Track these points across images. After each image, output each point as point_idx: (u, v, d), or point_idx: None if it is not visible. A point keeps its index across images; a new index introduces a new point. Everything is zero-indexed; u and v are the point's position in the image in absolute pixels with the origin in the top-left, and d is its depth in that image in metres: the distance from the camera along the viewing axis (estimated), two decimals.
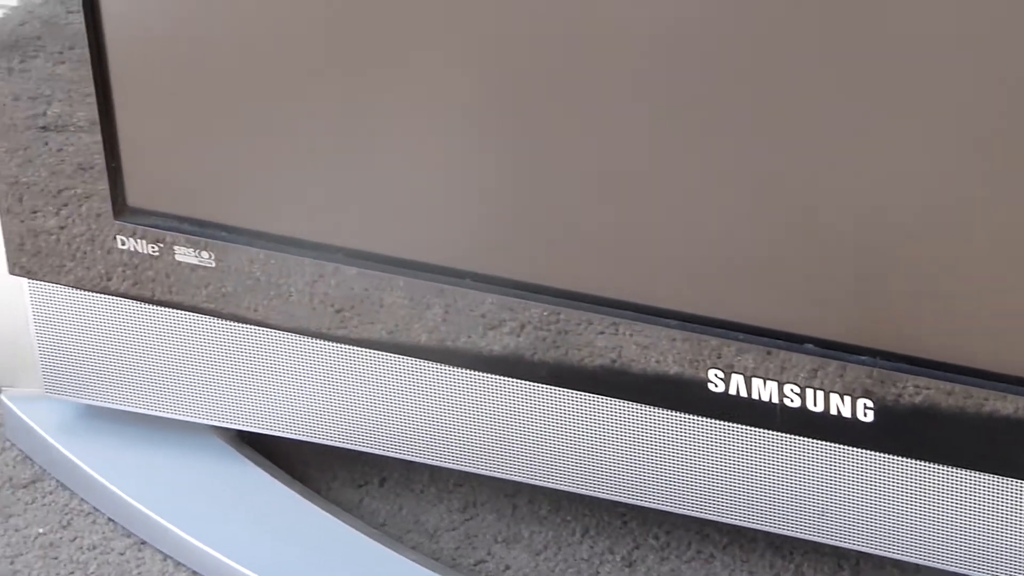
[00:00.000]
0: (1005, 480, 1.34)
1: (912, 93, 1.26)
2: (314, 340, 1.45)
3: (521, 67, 1.34)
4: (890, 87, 1.26)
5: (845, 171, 1.28)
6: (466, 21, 1.34)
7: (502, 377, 1.41)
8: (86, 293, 1.48)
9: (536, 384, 1.40)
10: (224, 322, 1.46)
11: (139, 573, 1.48)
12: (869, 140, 1.26)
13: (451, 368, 1.44)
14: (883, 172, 1.27)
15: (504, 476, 1.46)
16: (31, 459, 1.59)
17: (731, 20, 1.28)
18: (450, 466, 1.47)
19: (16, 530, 1.52)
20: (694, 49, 1.30)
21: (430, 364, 1.43)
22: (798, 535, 1.41)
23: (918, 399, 1.29)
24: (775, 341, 1.31)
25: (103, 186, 1.42)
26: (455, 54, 1.36)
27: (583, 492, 1.44)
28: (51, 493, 1.56)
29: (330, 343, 1.45)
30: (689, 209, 1.32)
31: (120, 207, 1.41)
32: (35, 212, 1.47)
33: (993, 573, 1.39)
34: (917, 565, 1.44)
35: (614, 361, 1.37)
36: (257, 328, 1.45)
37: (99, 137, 1.42)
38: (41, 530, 1.53)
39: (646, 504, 1.43)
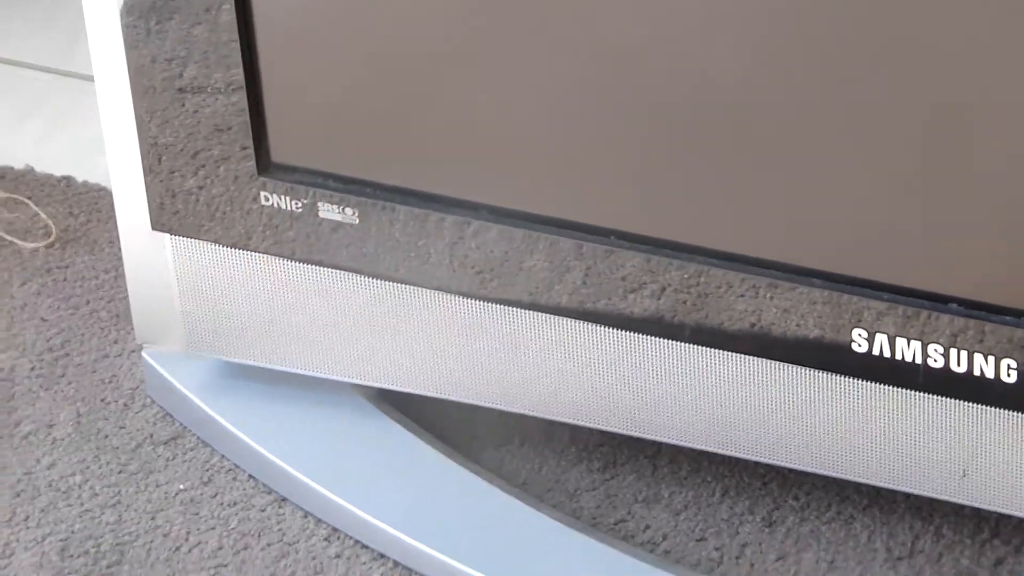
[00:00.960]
0: None
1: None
2: (456, 298, 1.46)
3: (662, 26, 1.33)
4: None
5: (986, 125, 1.26)
6: None
7: (644, 336, 1.42)
8: (228, 250, 1.50)
9: (678, 343, 1.41)
10: (366, 279, 1.47)
11: (280, 529, 1.50)
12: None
13: (592, 327, 1.42)
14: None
15: (645, 436, 1.46)
16: (172, 416, 1.60)
17: None
18: (591, 426, 1.47)
19: (157, 486, 1.53)
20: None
21: (571, 323, 1.44)
22: (938, 497, 1.41)
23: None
24: (919, 301, 1.31)
25: (247, 144, 1.43)
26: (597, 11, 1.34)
27: (724, 453, 1.46)
28: (192, 450, 1.58)
29: (472, 301, 1.46)
30: (832, 170, 1.33)
31: (264, 164, 1.43)
32: (174, 172, 1.49)
33: None
34: None
35: (756, 322, 1.38)
36: (399, 286, 1.46)
37: (236, 98, 1.44)
38: (182, 486, 1.54)
39: (786, 465, 1.44)
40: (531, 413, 1.51)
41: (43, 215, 1.82)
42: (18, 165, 1.93)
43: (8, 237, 1.82)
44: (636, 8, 1.36)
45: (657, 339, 1.42)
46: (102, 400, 1.65)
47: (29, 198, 1.86)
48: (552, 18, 1.39)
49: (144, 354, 1.61)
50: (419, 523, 1.49)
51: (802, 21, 1.31)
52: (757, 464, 1.45)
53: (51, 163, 1.94)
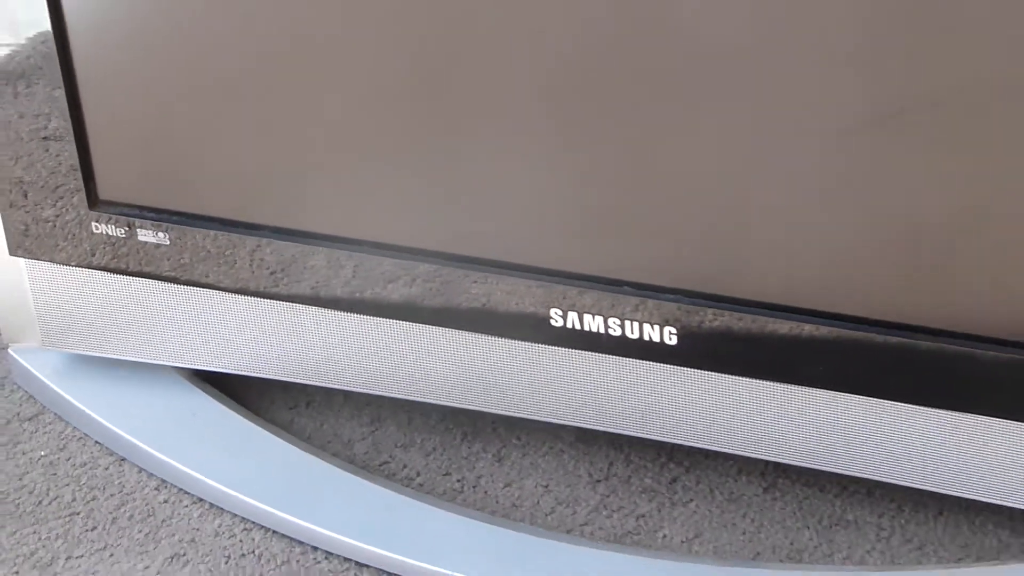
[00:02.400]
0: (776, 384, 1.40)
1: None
2: (253, 298, 1.49)
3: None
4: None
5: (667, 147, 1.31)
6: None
7: (397, 321, 1.46)
8: (73, 268, 1.51)
9: (422, 325, 1.46)
10: (181, 287, 1.50)
11: (120, 483, 1.53)
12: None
13: (358, 316, 1.48)
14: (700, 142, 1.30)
15: (401, 396, 1.51)
16: (34, 398, 1.63)
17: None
18: (359, 390, 1.52)
19: (23, 453, 1.57)
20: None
21: (344, 314, 1.48)
22: (627, 432, 1.47)
23: (714, 324, 1.35)
24: (599, 285, 1.36)
25: (79, 186, 1.47)
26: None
27: (462, 406, 1.49)
28: (50, 424, 1.60)
29: (265, 300, 1.48)
30: (534, 186, 1.36)
31: (93, 200, 1.46)
32: (25, 207, 1.51)
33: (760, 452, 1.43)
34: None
35: (482, 305, 1.42)
36: (206, 290, 1.49)
37: (68, 148, 1.47)
38: (43, 452, 1.57)
39: (513, 413, 1.48)
40: (313, 383, 1.55)
41: None
42: None
43: None
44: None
45: (406, 323, 1.46)
46: None
47: None
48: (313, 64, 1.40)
49: (9, 350, 1.63)
50: (226, 473, 1.50)
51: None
52: (489, 413, 1.50)
53: None
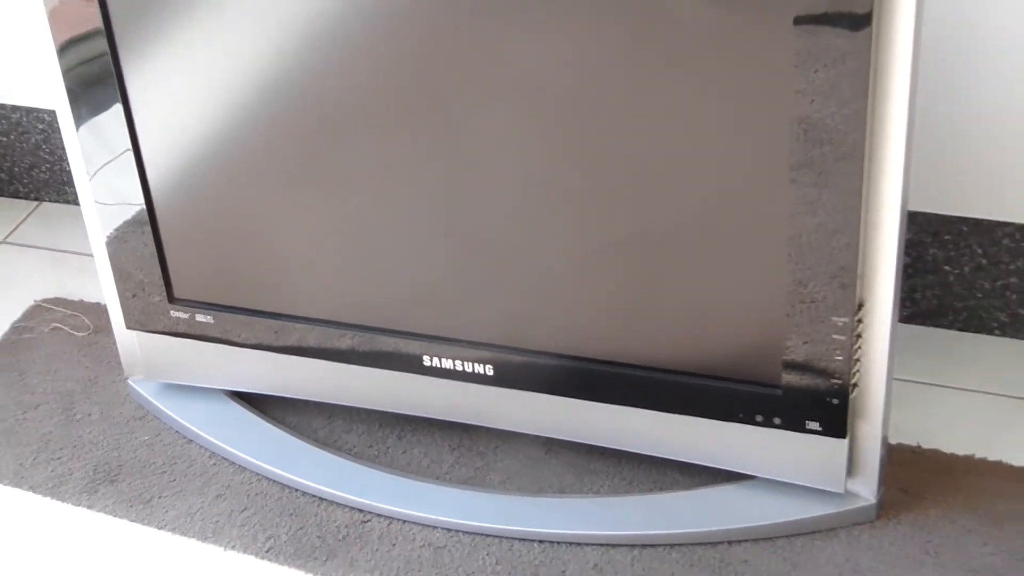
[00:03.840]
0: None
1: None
2: (262, 351, 1.50)
3: None
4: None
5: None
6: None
7: (341, 364, 1.47)
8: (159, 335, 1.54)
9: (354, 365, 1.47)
10: (221, 344, 1.52)
11: (188, 455, 1.57)
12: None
13: (318, 360, 1.49)
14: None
15: (345, 403, 1.55)
16: (142, 407, 1.62)
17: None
18: (320, 400, 1.57)
19: (136, 439, 1.60)
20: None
21: (311, 359, 1.49)
22: (462, 420, 1.51)
23: (513, 366, 1.41)
24: (449, 340, 1.42)
25: (163, 290, 1.50)
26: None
27: (377, 408, 1.54)
28: (151, 422, 1.62)
29: (268, 352, 1.50)
30: (411, 288, 1.41)
31: (171, 297, 1.51)
32: (141, 299, 1.51)
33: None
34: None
35: (388, 351, 1.44)
36: (234, 346, 1.51)
37: (158, 271, 1.49)
38: (146, 438, 1.59)
39: (405, 412, 1.53)
40: (295, 396, 1.58)
41: (85, 319, 1.79)
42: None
43: (63, 327, 1.79)
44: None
45: (347, 364, 1.47)
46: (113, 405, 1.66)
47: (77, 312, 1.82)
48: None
49: (129, 380, 1.65)
50: (247, 447, 1.56)
51: None
52: (390, 412, 1.55)
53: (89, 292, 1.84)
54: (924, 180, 1.47)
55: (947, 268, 1.63)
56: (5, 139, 1.97)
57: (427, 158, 1.32)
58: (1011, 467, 1.52)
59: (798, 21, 1.11)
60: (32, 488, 1.56)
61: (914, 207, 1.54)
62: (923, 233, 1.60)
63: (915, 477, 1.51)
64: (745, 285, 1.27)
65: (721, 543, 1.44)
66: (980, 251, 1.61)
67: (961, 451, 1.54)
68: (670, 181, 1.25)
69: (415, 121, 1.29)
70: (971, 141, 1.48)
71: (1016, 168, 1.50)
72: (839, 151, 1.16)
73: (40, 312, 1.82)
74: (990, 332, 1.66)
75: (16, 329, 1.80)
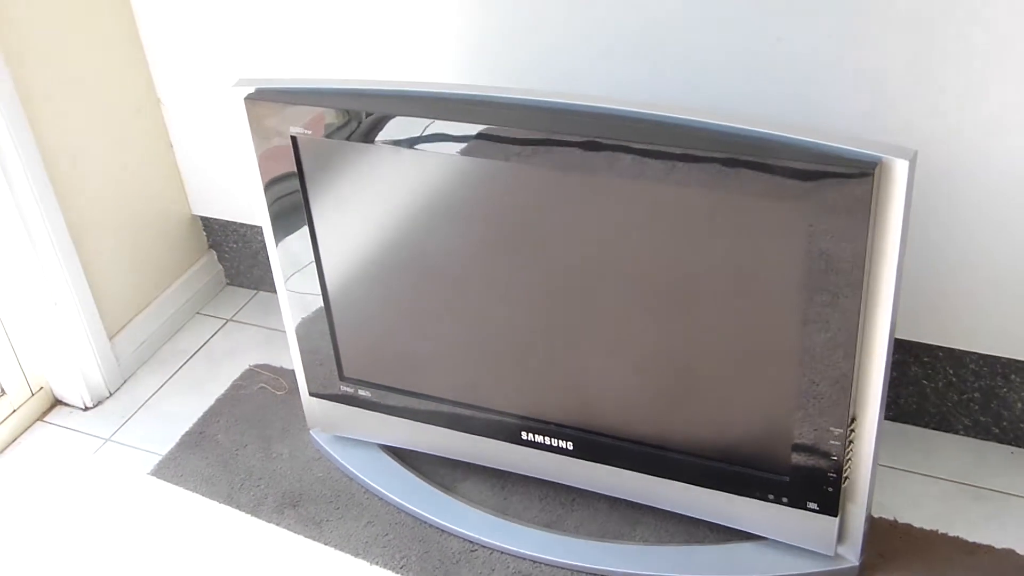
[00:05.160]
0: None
1: None
2: (411, 420, 1.47)
3: None
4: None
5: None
6: None
7: (464, 433, 1.44)
8: (331, 402, 1.51)
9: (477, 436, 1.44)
10: (378, 413, 1.47)
11: (350, 490, 1.54)
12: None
13: (455, 431, 1.45)
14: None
15: (461, 458, 1.50)
16: (320, 454, 1.59)
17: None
18: (446, 455, 1.51)
19: (315, 471, 1.58)
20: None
21: (446, 429, 1.45)
22: (549, 479, 1.45)
23: (587, 443, 1.38)
24: (539, 424, 1.39)
25: (335, 369, 1.46)
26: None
27: (488, 464, 1.48)
28: (327, 465, 1.58)
29: (414, 421, 1.46)
30: (521, 370, 1.37)
31: (341, 375, 1.48)
32: (319, 377, 1.48)
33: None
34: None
35: (495, 429, 1.42)
36: (388, 415, 1.47)
37: (333, 360, 1.44)
38: (319, 474, 1.56)
39: (506, 468, 1.47)
40: (432, 452, 1.52)
41: (283, 381, 1.75)
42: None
43: (268, 387, 1.76)
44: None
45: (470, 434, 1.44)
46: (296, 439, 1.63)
47: (278, 376, 1.77)
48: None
49: (311, 432, 1.62)
50: (392, 487, 1.53)
51: None
52: (493, 468, 1.48)
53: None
54: (910, 314, 1.45)
55: (924, 382, 1.57)
56: (236, 246, 1.96)
57: (528, 303, 1.31)
58: (965, 542, 1.44)
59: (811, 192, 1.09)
60: (239, 507, 1.55)
61: (902, 336, 1.51)
62: (907, 355, 1.54)
63: (890, 545, 1.45)
64: (764, 393, 1.24)
65: None
66: (951, 371, 1.55)
67: (928, 526, 1.47)
68: (709, 316, 1.23)
69: (524, 269, 1.29)
70: (948, 283, 1.42)
71: (985, 309, 1.43)
72: (847, 279, 1.11)
73: (252, 374, 1.79)
74: (956, 432, 1.59)
75: (235, 387, 1.78)
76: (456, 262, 1.30)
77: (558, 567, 1.42)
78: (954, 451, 1.58)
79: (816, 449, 1.25)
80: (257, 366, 1.81)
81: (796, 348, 1.16)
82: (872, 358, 1.17)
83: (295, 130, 1.29)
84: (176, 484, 1.57)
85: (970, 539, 1.43)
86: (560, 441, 1.40)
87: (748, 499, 1.33)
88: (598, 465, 1.39)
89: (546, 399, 1.37)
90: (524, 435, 1.41)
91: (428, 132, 1.19)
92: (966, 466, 1.55)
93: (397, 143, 1.22)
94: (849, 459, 1.27)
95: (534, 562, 1.43)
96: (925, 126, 1.31)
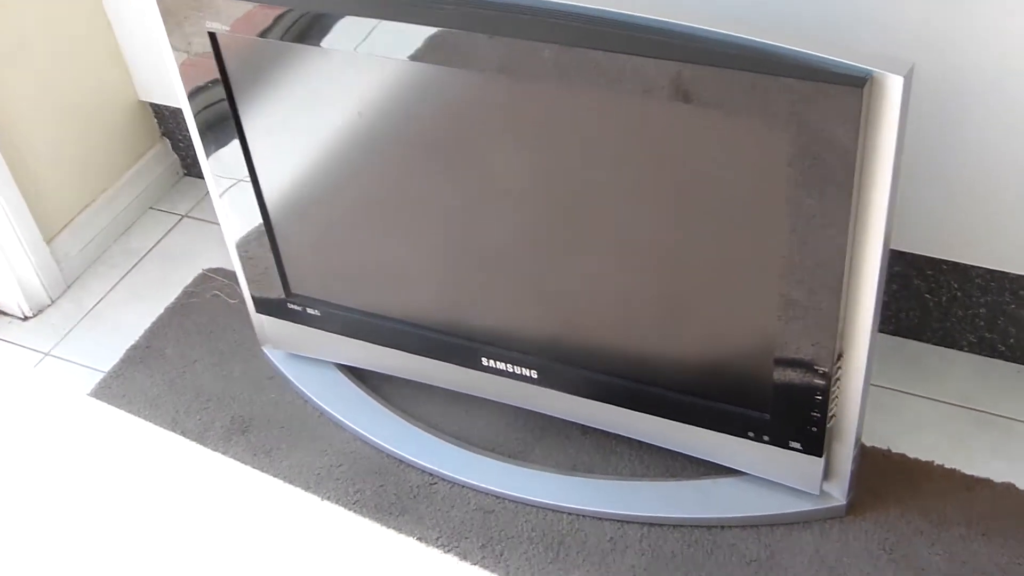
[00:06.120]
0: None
1: None
2: (357, 340, 1.41)
3: None
4: None
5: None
6: None
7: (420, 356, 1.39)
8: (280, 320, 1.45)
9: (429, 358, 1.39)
10: (326, 332, 1.42)
11: (295, 404, 1.49)
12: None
13: (399, 351, 1.41)
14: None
15: (417, 379, 1.44)
16: (271, 366, 1.52)
17: None
18: (402, 376, 1.46)
19: (263, 385, 1.52)
20: None
21: (390, 348, 1.40)
22: (511, 403, 1.39)
23: (553, 372, 1.32)
24: (502, 347, 1.33)
25: (280, 288, 1.42)
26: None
27: (447, 387, 1.42)
28: (275, 378, 1.52)
29: (362, 341, 1.41)
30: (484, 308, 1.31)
31: (288, 293, 1.42)
32: (267, 295, 1.42)
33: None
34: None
35: (450, 350, 1.36)
36: (334, 334, 1.42)
37: (276, 274, 1.40)
38: (273, 396, 1.50)
39: (466, 391, 1.41)
40: (379, 369, 1.48)
41: (238, 288, 1.63)
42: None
43: (221, 294, 1.69)
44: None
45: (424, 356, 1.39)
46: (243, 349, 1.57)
47: (233, 281, 1.70)
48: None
49: (264, 347, 1.56)
50: (343, 409, 1.47)
51: None
52: (452, 391, 1.42)
53: None
54: (912, 226, 1.37)
55: (927, 296, 1.48)
56: (188, 134, 1.78)
57: (486, 216, 1.24)
58: (963, 475, 1.36)
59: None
60: (184, 433, 1.49)
61: (904, 248, 1.43)
62: (910, 268, 1.45)
63: (882, 479, 1.36)
64: (744, 319, 1.17)
65: (715, 527, 1.33)
66: (956, 286, 1.45)
67: (924, 457, 1.38)
68: (687, 235, 1.15)
69: (481, 180, 1.20)
70: (956, 196, 1.33)
71: (995, 223, 1.34)
72: (834, 203, 1.03)
73: (205, 280, 1.71)
74: (960, 348, 1.50)
75: (186, 293, 1.70)
76: (405, 171, 1.22)
77: (523, 503, 1.36)
78: (957, 370, 1.48)
79: (799, 384, 1.17)
80: (211, 270, 1.72)
81: (779, 271, 1.08)
82: (862, 287, 1.08)
83: (213, 26, 1.19)
84: (118, 407, 1.51)
85: (968, 472, 1.36)
86: (524, 369, 1.33)
87: (727, 436, 1.27)
88: (566, 395, 1.33)
89: (507, 322, 1.30)
90: (485, 361, 1.35)
91: (372, 33, 1.11)
92: (969, 387, 1.46)
93: (336, 45, 1.13)
94: (836, 396, 1.19)
95: (497, 497, 1.37)
96: (932, 30, 1.22)
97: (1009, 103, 1.25)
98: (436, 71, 1.10)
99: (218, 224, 1.69)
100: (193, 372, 1.56)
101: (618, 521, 1.34)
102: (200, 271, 1.74)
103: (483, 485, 1.38)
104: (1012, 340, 1.47)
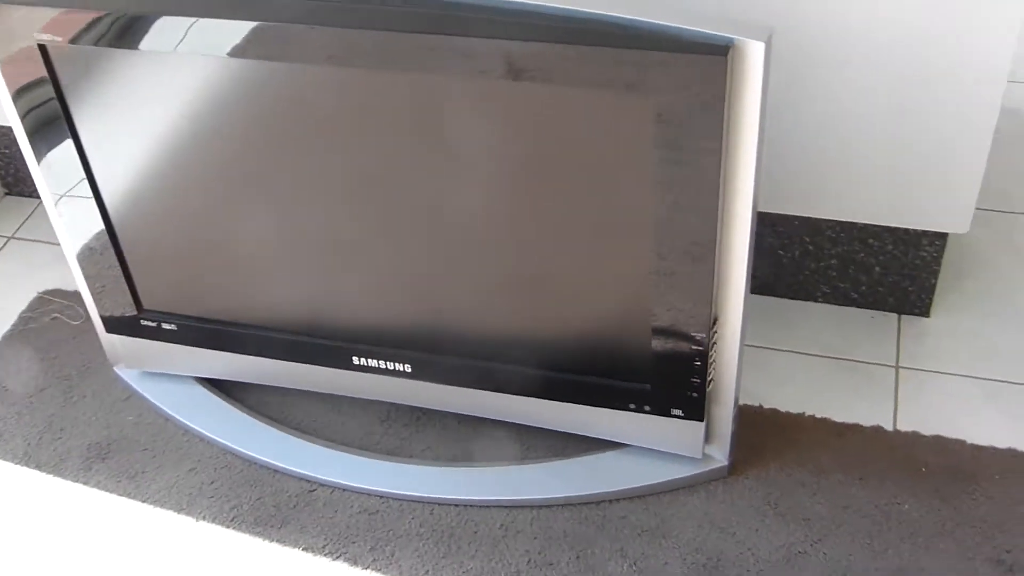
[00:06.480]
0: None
1: None
2: (213, 350, 1.39)
3: None
4: None
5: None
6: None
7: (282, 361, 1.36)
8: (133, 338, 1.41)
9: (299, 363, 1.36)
10: (183, 345, 1.39)
11: (162, 428, 1.43)
12: None
13: (263, 358, 1.37)
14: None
15: (286, 385, 1.41)
16: (125, 387, 1.47)
17: None
18: (269, 383, 1.43)
19: (115, 409, 1.46)
20: None
21: (254, 356, 1.37)
22: (389, 400, 1.37)
23: (427, 363, 1.31)
24: (370, 346, 1.31)
25: (131, 304, 1.37)
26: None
27: (315, 390, 1.40)
28: (131, 399, 1.47)
29: (216, 351, 1.38)
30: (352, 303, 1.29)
31: (139, 308, 1.38)
32: (115, 312, 1.38)
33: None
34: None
35: (324, 352, 1.33)
36: (193, 347, 1.39)
37: (125, 286, 1.35)
38: (131, 418, 1.44)
39: (336, 392, 1.39)
40: (247, 380, 1.45)
41: (79, 309, 1.59)
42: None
43: (61, 316, 1.61)
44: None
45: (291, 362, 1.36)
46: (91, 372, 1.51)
47: (72, 302, 1.63)
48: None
49: (115, 368, 1.50)
50: (208, 424, 1.43)
51: None
52: (324, 394, 1.41)
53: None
54: (764, 185, 1.30)
55: (780, 252, 1.51)
56: (9, 149, 1.80)
57: (339, 211, 1.20)
58: (833, 423, 1.39)
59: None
60: (38, 467, 1.40)
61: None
62: (763, 227, 1.47)
63: (758, 435, 1.38)
64: (618, 292, 1.17)
65: (603, 502, 1.33)
66: (808, 240, 1.49)
67: (795, 409, 1.41)
68: (553, 215, 1.14)
69: (330, 174, 1.18)
70: (805, 153, 1.35)
71: (840, 176, 1.37)
72: (702, 177, 1.04)
73: (43, 303, 1.63)
74: (815, 300, 1.55)
75: (23, 319, 1.61)
76: (245, 171, 1.18)
77: (408, 500, 1.33)
78: (814, 321, 1.52)
79: (678, 352, 1.18)
80: (48, 292, 1.64)
81: (650, 242, 1.08)
82: (733, 250, 1.09)
83: (42, 37, 1.13)
84: None
85: (838, 419, 1.39)
86: (397, 364, 1.31)
87: (608, 410, 1.28)
88: (442, 386, 1.33)
89: (375, 318, 1.27)
90: (355, 360, 1.33)
91: (196, 32, 1.07)
92: (827, 336, 1.50)
93: (161, 46, 1.09)
94: (713, 360, 1.21)
95: (381, 497, 1.34)
96: None
97: (844, 60, 1.28)
98: (264, 66, 1.07)
99: (48, 243, 1.69)
100: (41, 401, 1.49)
101: (506, 507, 1.32)
102: (36, 294, 1.65)
103: (364, 486, 1.34)
104: (864, 287, 1.52)
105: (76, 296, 1.62)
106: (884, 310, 1.53)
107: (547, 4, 0.98)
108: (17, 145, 1.76)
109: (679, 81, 0.96)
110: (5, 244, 1.78)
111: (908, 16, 1.22)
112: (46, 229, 1.77)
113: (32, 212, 1.83)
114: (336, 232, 1.21)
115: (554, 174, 1.08)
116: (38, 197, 1.85)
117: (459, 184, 1.12)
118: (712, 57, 0.95)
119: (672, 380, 1.22)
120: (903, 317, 1.53)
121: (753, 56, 0.97)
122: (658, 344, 1.19)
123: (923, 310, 1.51)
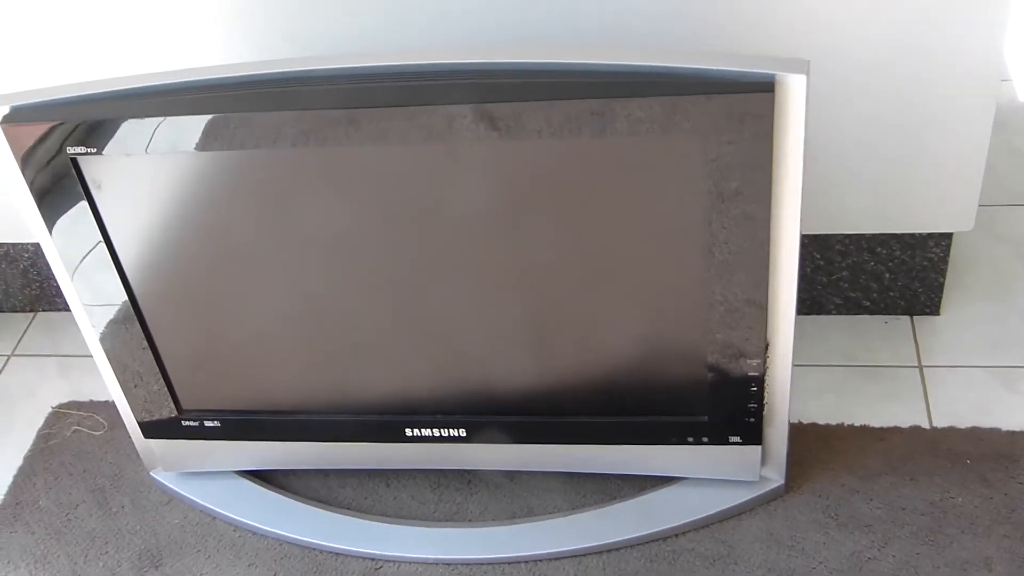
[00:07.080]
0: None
1: None
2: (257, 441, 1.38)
3: None
4: None
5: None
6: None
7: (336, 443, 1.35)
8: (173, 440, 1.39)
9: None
10: (227, 441, 1.38)
11: (205, 524, 1.41)
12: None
13: (309, 442, 1.36)
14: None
15: (334, 467, 1.41)
16: (165, 492, 1.45)
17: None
18: (315, 467, 1.43)
19: (160, 513, 1.43)
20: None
21: (297, 442, 1.37)
22: (444, 467, 1.39)
23: (483, 425, 1.31)
24: (424, 416, 1.31)
25: (173, 407, 1.36)
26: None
27: (376, 467, 1.40)
28: (172, 503, 1.45)
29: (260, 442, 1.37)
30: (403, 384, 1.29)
31: (180, 409, 1.36)
32: (156, 415, 1.37)
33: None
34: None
35: (376, 429, 1.33)
36: (236, 441, 1.38)
37: (169, 396, 1.34)
38: (176, 521, 1.43)
39: (398, 467, 1.39)
40: (288, 467, 1.44)
41: (99, 417, 1.58)
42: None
43: (82, 428, 1.57)
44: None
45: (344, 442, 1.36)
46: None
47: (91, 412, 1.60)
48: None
49: (151, 472, 1.48)
50: (253, 515, 1.41)
51: None
52: (382, 469, 1.41)
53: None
54: None
55: None
56: None
57: (385, 288, 1.21)
58: (873, 428, 1.42)
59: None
60: None
61: None
62: None
63: (804, 451, 1.40)
64: (675, 334, 1.18)
65: (669, 537, 1.33)
66: (818, 255, 1.52)
67: (832, 421, 1.44)
68: (610, 268, 1.15)
69: (384, 260, 1.18)
70: (811, 172, 1.30)
71: (845, 192, 1.40)
72: (755, 207, 1.06)
73: (59, 417, 1.58)
74: (828, 313, 1.57)
75: (42, 436, 1.56)
76: (269, 263, 1.18)
77: (476, 564, 1.32)
78: (831, 333, 1.55)
79: (734, 380, 1.19)
80: (62, 406, 1.60)
81: (705, 276, 1.09)
82: (782, 274, 1.10)
83: (74, 150, 1.12)
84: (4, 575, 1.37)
85: (876, 424, 1.42)
86: (452, 430, 1.31)
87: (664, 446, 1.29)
88: (498, 445, 1.32)
89: (427, 388, 1.27)
90: (409, 431, 1.31)
91: (231, 128, 1.07)
92: (847, 346, 1.52)
93: (195, 147, 1.08)
94: (766, 385, 1.23)
95: (448, 565, 1.32)
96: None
97: (850, 91, 1.32)
98: (284, 153, 1.06)
99: (50, 356, 1.67)
100: (78, 516, 1.44)
101: (576, 556, 1.32)
102: (49, 410, 1.61)
103: (431, 556, 1.33)
104: (874, 294, 1.55)
105: (93, 406, 1.60)
106: (895, 313, 1.56)
107: (594, 61, 1.01)
108: (8, 260, 1.74)
109: (729, 121, 0.98)
110: (6, 363, 1.74)
111: (899, 34, 1.26)
112: (46, 340, 1.75)
113: (28, 326, 1.80)
114: (381, 309, 1.21)
115: (609, 223, 1.09)
116: (31, 310, 1.81)
117: (515, 242, 1.11)
118: (761, 95, 0.98)
119: (730, 408, 1.23)
120: (915, 318, 1.56)
121: (795, 89, 1.00)
122: (714, 375, 1.21)
123: (933, 309, 1.54)
